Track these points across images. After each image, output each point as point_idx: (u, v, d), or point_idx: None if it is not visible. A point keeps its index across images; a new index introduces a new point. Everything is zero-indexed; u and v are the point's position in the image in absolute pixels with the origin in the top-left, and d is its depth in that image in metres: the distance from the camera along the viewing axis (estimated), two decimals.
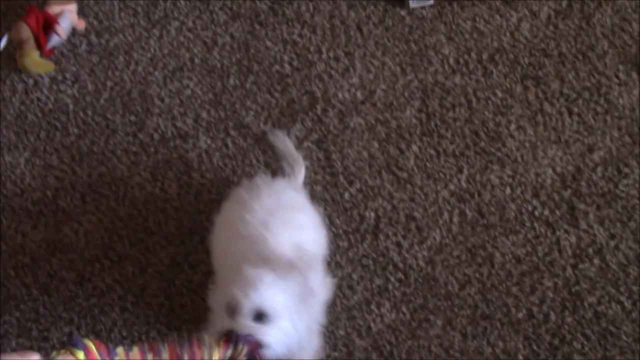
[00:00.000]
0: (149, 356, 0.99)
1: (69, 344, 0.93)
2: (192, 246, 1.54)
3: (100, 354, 0.95)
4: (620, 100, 1.64)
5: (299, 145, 1.63)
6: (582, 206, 1.53)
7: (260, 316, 1.11)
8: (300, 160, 1.52)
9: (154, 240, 1.56)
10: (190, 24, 1.84)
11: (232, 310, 1.11)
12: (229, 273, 1.19)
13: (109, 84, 1.77)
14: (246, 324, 1.10)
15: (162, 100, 1.73)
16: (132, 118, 1.72)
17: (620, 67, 1.69)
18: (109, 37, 1.84)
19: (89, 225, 1.58)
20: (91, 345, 0.95)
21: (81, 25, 1.84)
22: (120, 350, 0.99)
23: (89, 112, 1.73)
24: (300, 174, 1.50)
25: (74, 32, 1.84)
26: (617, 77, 1.67)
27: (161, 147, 1.67)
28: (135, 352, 0.99)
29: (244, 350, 1.06)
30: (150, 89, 1.75)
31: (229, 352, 1.06)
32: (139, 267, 1.53)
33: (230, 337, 1.07)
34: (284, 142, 1.55)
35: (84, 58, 1.81)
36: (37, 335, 1.48)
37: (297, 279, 1.15)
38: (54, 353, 0.91)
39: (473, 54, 1.73)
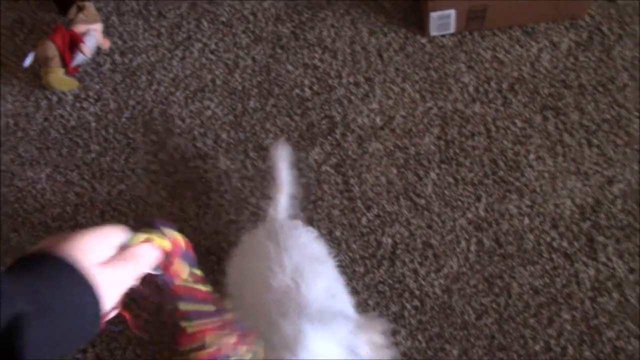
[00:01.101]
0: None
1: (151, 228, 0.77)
2: (209, 266, 1.54)
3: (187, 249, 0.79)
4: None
5: (317, 168, 1.64)
6: (601, 239, 1.52)
7: None
8: (284, 187, 1.40)
9: None
10: (212, 46, 1.87)
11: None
12: (260, 324, 1.11)
13: (131, 102, 1.79)
14: None
15: (182, 121, 1.75)
16: (153, 137, 1.73)
17: (638, 99, 1.69)
18: (133, 56, 1.87)
19: None
20: (178, 237, 0.79)
21: (106, 44, 1.87)
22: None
23: (111, 130, 1.75)
24: (280, 200, 1.39)
25: (98, 51, 1.87)
26: (637, 109, 1.67)
27: (181, 167, 1.68)
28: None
29: None
30: (171, 109, 1.77)
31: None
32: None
33: None
34: (282, 159, 1.42)
35: (107, 77, 1.84)
36: None
37: (342, 325, 1.08)
38: (132, 237, 0.73)
39: (493, 83, 1.74)
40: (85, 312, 0.59)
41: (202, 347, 0.82)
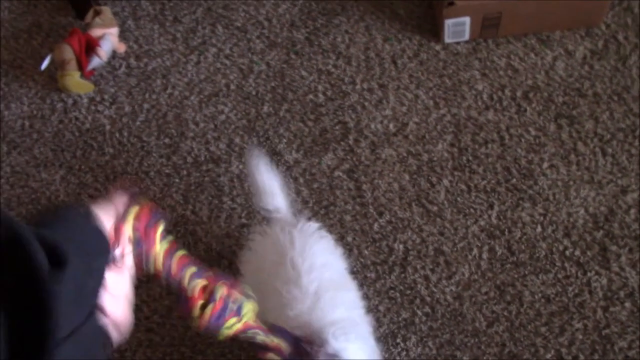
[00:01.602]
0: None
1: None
2: (220, 270, 1.55)
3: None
4: None
5: (329, 174, 1.65)
6: (614, 248, 1.52)
7: None
8: (276, 188, 1.33)
9: None
10: (227, 51, 1.88)
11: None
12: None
13: (145, 106, 1.81)
14: None
15: (196, 125, 1.76)
16: (167, 141, 1.74)
17: None
18: (148, 60, 1.88)
19: None
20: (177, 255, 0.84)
21: (122, 48, 1.89)
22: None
23: (125, 133, 1.77)
24: (279, 204, 1.33)
25: (114, 54, 1.89)
26: None
27: (194, 170, 1.69)
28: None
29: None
30: (185, 113, 1.78)
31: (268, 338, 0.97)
32: (166, 288, 1.54)
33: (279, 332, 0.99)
34: (259, 165, 1.34)
35: (122, 80, 1.86)
36: None
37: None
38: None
39: (507, 91, 1.74)
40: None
41: (206, 304, 0.86)
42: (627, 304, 1.46)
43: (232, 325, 0.90)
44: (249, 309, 0.92)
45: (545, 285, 1.49)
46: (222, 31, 1.92)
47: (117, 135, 1.77)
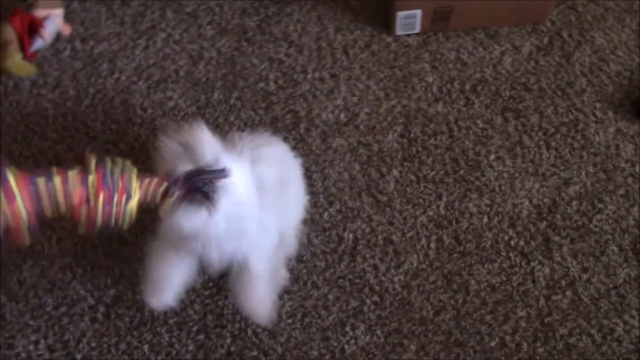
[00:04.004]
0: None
1: None
2: None
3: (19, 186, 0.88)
4: (596, 137, 1.68)
5: None
6: (556, 238, 1.56)
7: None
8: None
9: (129, 250, 1.53)
10: (177, 37, 1.84)
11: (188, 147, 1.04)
12: None
13: (91, 90, 1.75)
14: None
15: (144, 111, 1.72)
16: (113, 126, 1.70)
17: (597, 105, 1.73)
18: (94, 44, 1.83)
19: (62, 233, 1.55)
20: (11, 179, 0.89)
21: (66, 30, 1.83)
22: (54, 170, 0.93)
23: (69, 118, 1.71)
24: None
25: (58, 36, 1.82)
26: (593, 114, 1.72)
27: (141, 157, 1.65)
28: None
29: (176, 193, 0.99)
30: (133, 99, 1.74)
31: (161, 189, 0.99)
32: (112, 278, 1.50)
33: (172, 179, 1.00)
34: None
35: (66, 63, 1.80)
36: (2, 342, 1.44)
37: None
38: None
39: (456, 84, 1.76)
40: None
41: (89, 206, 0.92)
42: (568, 293, 1.50)
43: (129, 202, 0.93)
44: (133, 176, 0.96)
45: (491, 275, 1.52)
46: (171, 16, 1.88)
47: (61, 120, 1.71)
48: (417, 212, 1.59)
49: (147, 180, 1.00)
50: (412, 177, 1.63)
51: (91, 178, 0.94)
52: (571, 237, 1.56)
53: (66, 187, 0.93)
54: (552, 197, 1.61)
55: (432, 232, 1.56)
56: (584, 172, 1.64)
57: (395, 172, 1.64)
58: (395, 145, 1.67)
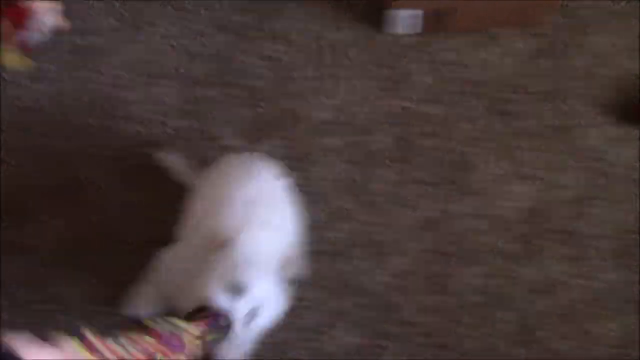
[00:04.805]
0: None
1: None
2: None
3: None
4: (585, 142, 1.68)
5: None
6: (539, 242, 1.57)
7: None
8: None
9: (120, 248, 1.57)
10: (175, 33, 1.85)
11: (238, 289, 1.12)
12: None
13: (89, 86, 1.78)
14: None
15: (141, 106, 1.74)
16: (107, 122, 1.72)
17: (590, 109, 1.72)
18: (90, 38, 1.85)
19: (53, 229, 1.59)
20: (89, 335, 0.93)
21: (63, 24, 1.85)
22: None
23: (63, 112, 1.74)
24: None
25: (56, 30, 1.84)
26: (586, 118, 1.71)
27: (133, 153, 1.68)
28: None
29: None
30: (130, 94, 1.76)
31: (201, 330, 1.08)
32: (102, 276, 1.53)
33: (213, 317, 1.09)
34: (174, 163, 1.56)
35: (62, 58, 1.82)
36: None
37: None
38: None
39: (452, 85, 1.76)
40: None
41: None
42: (549, 297, 1.52)
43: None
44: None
45: (473, 277, 1.54)
46: (171, 12, 1.88)
47: (56, 114, 1.74)
48: (403, 214, 1.60)
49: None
50: (399, 178, 1.65)
51: (148, 338, 1.01)
52: (554, 242, 1.57)
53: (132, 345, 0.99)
54: (539, 201, 1.62)
55: (416, 234, 1.58)
56: (569, 176, 1.64)
57: (382, 172, 1.65)
58: (384, 145, 1.68)
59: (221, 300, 1.11)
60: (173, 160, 1.55)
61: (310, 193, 1.62)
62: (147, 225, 1.59)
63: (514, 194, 1.62)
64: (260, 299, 1.14)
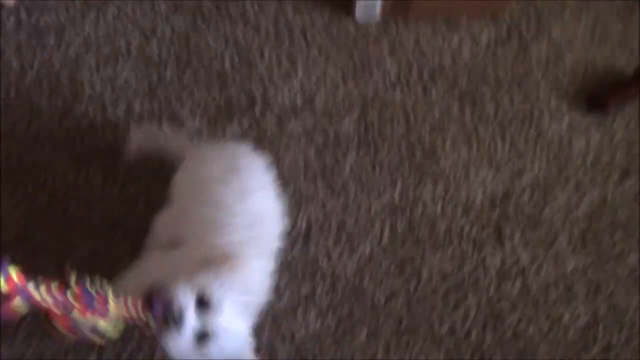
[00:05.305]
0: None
1: None
2: (115, 240, 1.46)
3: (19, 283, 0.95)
4: (550, 129, 1.70)
5: None
6: (508, 228, 1.57)
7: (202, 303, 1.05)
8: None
9: (74, 231, 1.47)
10: (129, 11, 1.78)
11: (206, 302, 1.06)
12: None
13: (36, 64, 1.67)
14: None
15: (92, 87, 1.66)
16: (59, 102, 1.63)
17: (552, 97, 1.75)
18: (40, 15, 1.75)
19: (3, 211, 1.48)
20: (13, 273, 0.94)
21: (10, 1, 1.74)
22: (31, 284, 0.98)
23: (12, 92, 1.63)
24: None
25: (1, 7, 1.73)
26: (548, 106, 1.74)
27: (88, 135, 1.59)
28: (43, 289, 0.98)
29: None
30: (80, 74, 1.67)
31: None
32: (55, 259, 1.44)
33: (152, 302, 1.03)
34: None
35: (10, 35, 1.71)
36: None
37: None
38: None
39: (414, 71, 1.75)
40: None
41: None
42: (518, 282, 1.51)
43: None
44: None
45: (443, 262, 1.52)
46: None
47: (3, 94, 1.63)
48: (371, 199, 1.57)
49: (122, 299, 1.04)
50: (367, 164, 1.62)
51: (70, 292, 1.00)
52: (522, 227, 1.57)
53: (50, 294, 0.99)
54: (505, 186, 1.62)
55: (385, 219, 1.55)
56: (537, 163, 1.65)
57: (350, 157, 1.62)
58: (351, 131, 1.65)
59: (181, 296, 1.03)
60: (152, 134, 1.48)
61: (279, 177, 1.57)
62: (100, 206, 1.50)
63: (481, 180, 1.62)
64: (219, 325, 1.06)
